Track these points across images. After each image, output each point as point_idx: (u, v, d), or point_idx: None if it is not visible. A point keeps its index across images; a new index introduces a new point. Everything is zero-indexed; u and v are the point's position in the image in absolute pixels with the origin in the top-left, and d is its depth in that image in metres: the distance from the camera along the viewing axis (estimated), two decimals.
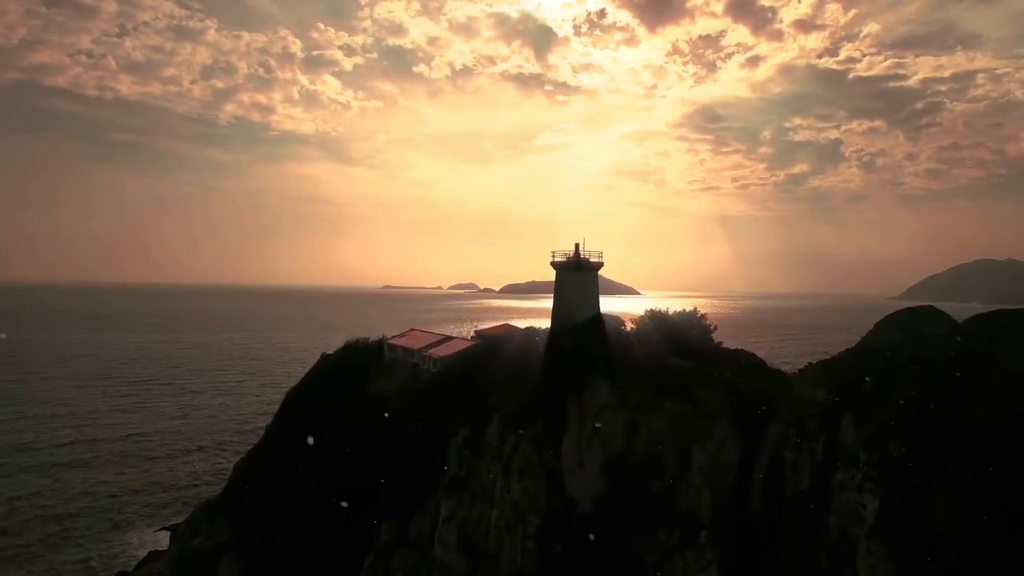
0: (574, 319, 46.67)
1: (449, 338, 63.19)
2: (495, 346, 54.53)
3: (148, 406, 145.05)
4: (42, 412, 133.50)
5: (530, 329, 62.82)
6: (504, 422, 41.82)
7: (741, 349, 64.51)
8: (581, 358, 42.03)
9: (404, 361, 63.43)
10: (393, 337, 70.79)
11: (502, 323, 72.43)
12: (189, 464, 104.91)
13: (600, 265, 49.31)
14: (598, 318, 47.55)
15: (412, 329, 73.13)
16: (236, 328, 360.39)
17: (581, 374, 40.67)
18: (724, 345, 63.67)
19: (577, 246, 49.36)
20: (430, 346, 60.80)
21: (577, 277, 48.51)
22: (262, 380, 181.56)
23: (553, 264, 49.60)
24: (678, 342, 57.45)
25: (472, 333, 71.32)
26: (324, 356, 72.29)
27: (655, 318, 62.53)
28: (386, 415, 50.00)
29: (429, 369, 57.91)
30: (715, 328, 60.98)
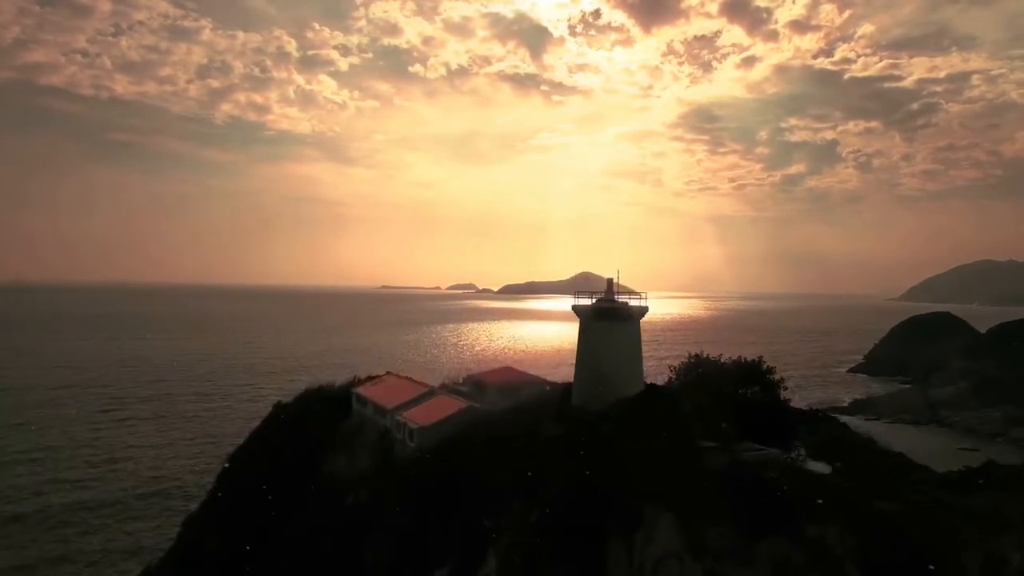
0: (613, 393, 31.61)
1: (431, 392, 48.23)
2: (492, 415, 39.71)
3: (113, 436, 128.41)
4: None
5: (540, 382, 48.08)
6: (506, 565, 27.03)
7: (817, 410, 49.78)
8: (627, 468, 27.14)
9: (374, 422, 48.67)
10: (364, 384, 55.90)
11: (503, 366, 57.78)
12: (142, 518, 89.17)
13: (644, 311, 34.30)
14: (648, 395, 32.33)
15: (388, 373, 58.23)
16: (230, 331, 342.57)
17: (629, 499, 25.87)
18: (790, 400, 49.08)
19: (610, 283, 34.36)
20: (407, 405, 45.92)
21: (611, 330, 33.40)
22: (247, 397, 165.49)
23: (576, 309, 34.62)
24: (736, 406, 42.60)
25: (463, 377, 56.78)
26: (278, 406, 57.59)
27: (704, 370, 47.63)
28: (339, 521, 35.18)
29: (404, 441, 43.12)
30: (784, 383, 45.92)
